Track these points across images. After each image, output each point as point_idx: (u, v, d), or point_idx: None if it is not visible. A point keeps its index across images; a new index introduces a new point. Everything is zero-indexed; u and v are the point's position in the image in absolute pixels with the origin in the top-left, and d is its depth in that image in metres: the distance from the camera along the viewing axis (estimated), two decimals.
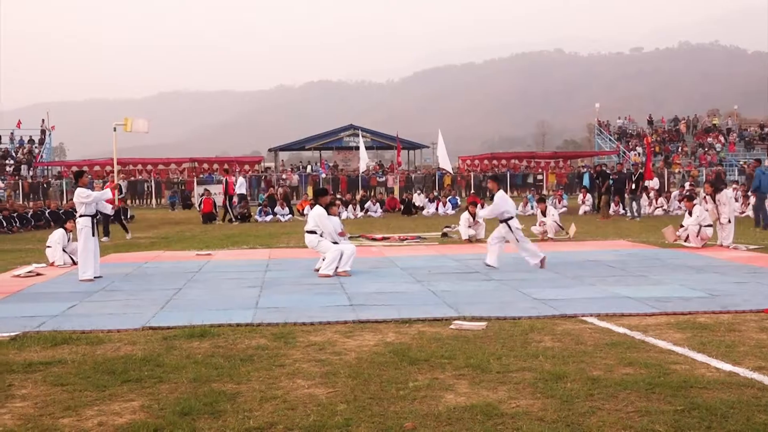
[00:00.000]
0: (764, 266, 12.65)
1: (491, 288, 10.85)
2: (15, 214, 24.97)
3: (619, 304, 9.28)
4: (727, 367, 6.27)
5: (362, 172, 40.95)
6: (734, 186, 31.21)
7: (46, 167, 46.97)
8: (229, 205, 28.83)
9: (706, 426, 4.85)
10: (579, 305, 9.19)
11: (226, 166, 38.29)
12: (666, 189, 35.23)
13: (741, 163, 42.64)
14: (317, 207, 13.02)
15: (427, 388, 5.80)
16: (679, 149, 47.93)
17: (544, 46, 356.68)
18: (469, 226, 18.67)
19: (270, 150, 51.68)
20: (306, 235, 12.99)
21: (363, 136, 43.40)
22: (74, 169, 44.73)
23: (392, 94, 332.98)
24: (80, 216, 12.56)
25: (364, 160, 40.20)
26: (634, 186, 26.33)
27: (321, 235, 12.75)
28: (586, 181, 34.96)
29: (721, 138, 48.77)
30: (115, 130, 15.09)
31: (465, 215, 18.91)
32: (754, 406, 5.21)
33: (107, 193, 13.28)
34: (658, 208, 29.33)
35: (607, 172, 30.42)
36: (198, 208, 29.60)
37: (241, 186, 35.01)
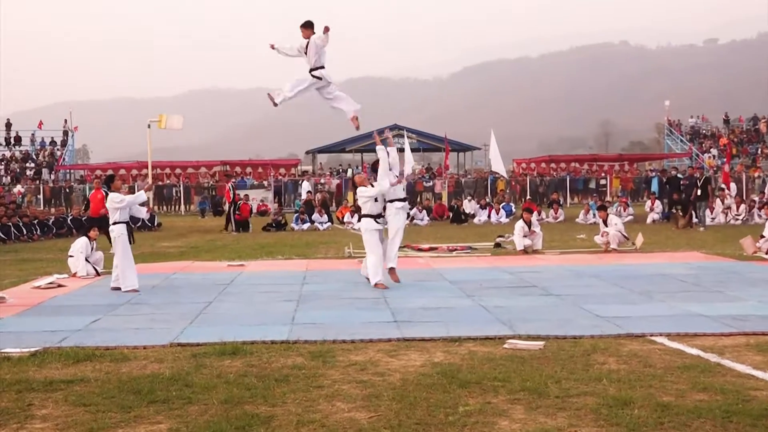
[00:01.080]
0: None
1: (549, 304, 10.78)
2: (35, 221, 25.43)
3: (691, 322, 9.14)
4: None
5: (407, 176, 40.99)
6: None
7: (68, 171, 47.76)
8: (231, 215, 28.44)
9: None
10: (647, 323, 9.07)
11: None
12: (744, 195, 34.62)
13: None
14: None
15: (478, 413, 5.77)
16: (759, 151, 47.13)
17: (607, 38, 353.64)
18: (525, 236, 18.52)
19: (307, 152, 52.06)
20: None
21: (408, 137, 43.18)
22: (98, 172, 45.52)
23: (440, 91, 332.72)
24: (114, 223, 12.75)
25: (410, 163, 40.08)
26: (700, 192, 25.91)
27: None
28: (654, 187, 34.56)
29: None
30: (149, 127, 15.43)
31: (520, 223, 18.77)
32: None
33: (141, 195, 13.37)
34: (737, 216, 28.84)
35: (678, 176, 30.02)
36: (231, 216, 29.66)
37: (305, 190, 35.43)
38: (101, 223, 16.04)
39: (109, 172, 45.42)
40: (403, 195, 13.20)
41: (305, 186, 39.07)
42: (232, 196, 28.68)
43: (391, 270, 12.84)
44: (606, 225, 18.69)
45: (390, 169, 12.97)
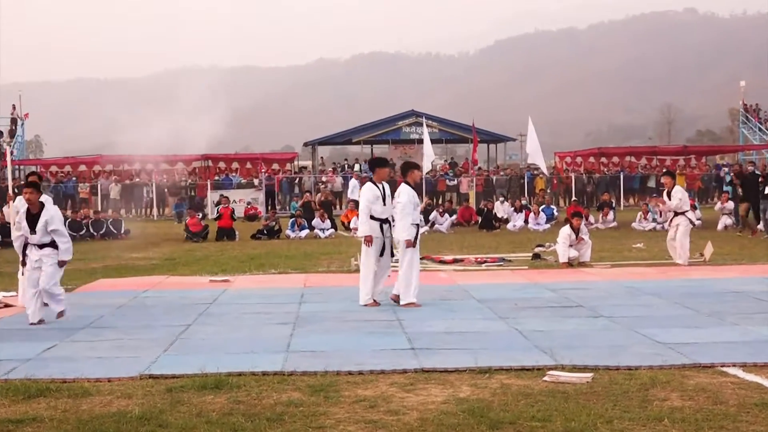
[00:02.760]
0: None
1: (599, 327, 10.77)
2: None
3: None
4: None
5: (427, 173, 40.94)
6: None
7: (17, 166, 47.83)
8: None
9: None
10: (718, 351, 9.06)
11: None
12: None
13: None
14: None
15: None
16: None
17: (670, 5, 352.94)
18: (571, 245, 18.50)
19: (306, 144, 52.17)
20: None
21: (428, 126, 43.39)
22: (54, 168, 45.65)
23: (467, 69, 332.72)
24: None
25: (430, 157, 40.15)
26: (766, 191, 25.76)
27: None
28: (726, 186, 34.44)
29: None
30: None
31: (566, 230, 18.71)
32: None
33: None
34: None
35: (757, 173, 29.90)
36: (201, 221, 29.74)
37: (353, 190, 35.20)
38: None
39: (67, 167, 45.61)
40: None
41: (353, 184, 38.83)
42: None
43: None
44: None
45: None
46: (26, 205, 12.10)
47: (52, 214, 12.08)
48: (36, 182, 13.24)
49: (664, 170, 23.97)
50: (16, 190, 14.64)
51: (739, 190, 28.28)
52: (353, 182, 39.19)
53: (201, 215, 31.70)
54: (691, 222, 18.32)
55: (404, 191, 13.12)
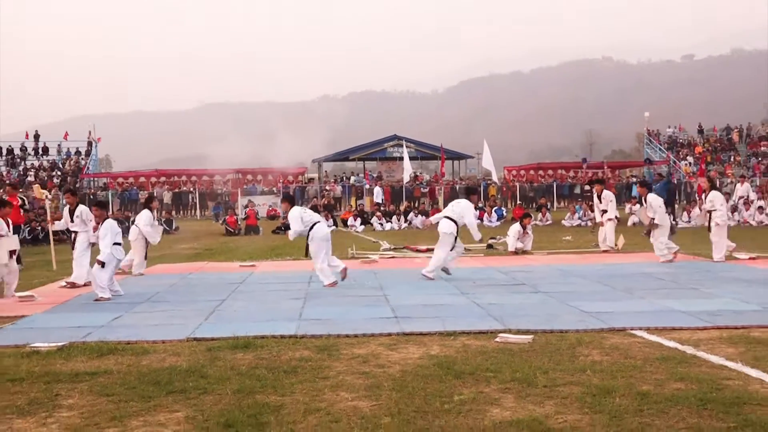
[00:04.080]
0: None
1: (538, 301, 10.79)
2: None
3: (669, 317, 9.16)
4: None
5: (406, 183, 40.95)
6: None
7: (92, 179, 47.73)
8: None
9: None
10: (628, 318, 9.09)
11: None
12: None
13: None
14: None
15: (472, 401, 5.79)
16: (732, 159, 47.14)
17: (592, 54, 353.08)
18: (518, 238, 18.61)
19: (313, 161, 52.05)
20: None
21: (407, 147, 43.41)
22: (120, 180, 45.48)
23: (437, 104, 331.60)
24: None
25: (408, 171, 40.19)
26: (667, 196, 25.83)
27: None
28: (635, 192, 34.53)
29: None
30: None
31: (516, 227, 18.85)
32: None
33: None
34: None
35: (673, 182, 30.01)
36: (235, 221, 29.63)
37: (377, 195, 35.15)
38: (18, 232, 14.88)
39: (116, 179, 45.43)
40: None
41: (377, 192, 39.13)
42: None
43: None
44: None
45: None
46: (68, 206, 13.81)
47: (81, 209, 13.63)
48: (73, 190, 14.94)
49: (595, 178, 23.92)
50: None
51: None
52: (377, 189, 39.50)
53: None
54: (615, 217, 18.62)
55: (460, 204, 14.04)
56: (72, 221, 13.54)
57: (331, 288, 12.47)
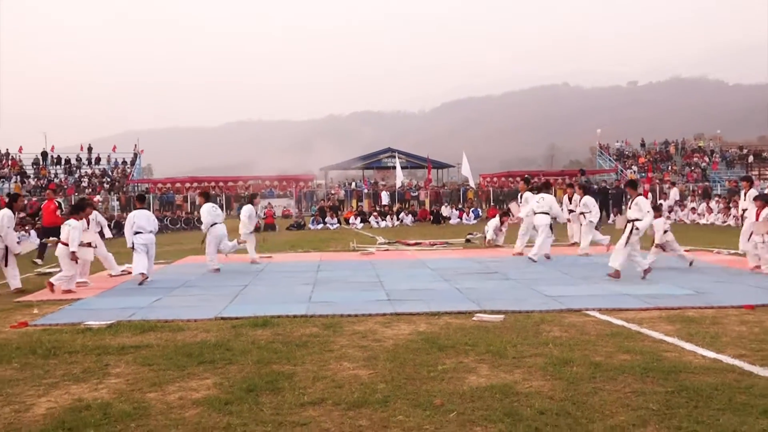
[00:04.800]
0: (743, 268, 12.40)
1: (508, 286, 10.79)
2: (112, 222, 25.30)
3: (618, 300, 9.16)
4: (712, 354, 6.17)
5: (398, 188, 40.92)
6: (717, 199, 30.87)
7: (136, 184, 47.64)
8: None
9: (693, 405, 4.78)
10: (583, 301, 9.09)
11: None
12: (657, 201, 34.65)
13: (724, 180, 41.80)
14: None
15: (453, 370, 5.78)
16: (669, 168, 47.24)
17: (553, 80, 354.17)
18: (495, 232, 18.69)
19: (321, 169, 51.93)
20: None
21: (399, 158, 43.43)
22: (160, 185, 45.34)
23: (424, 121, 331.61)
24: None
25: (400, 178, 40.27)
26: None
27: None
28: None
29: (706, 158, 48.00)
30: None
31: (495, 221, 18.87)
32: (735, 389, 5.13)
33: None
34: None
35: (607, 187, 30.03)
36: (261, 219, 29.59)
37: (384, 199, 35.27)
38: (54, 233, 14.26)
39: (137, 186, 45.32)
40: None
41: (384, 195, 39.38)
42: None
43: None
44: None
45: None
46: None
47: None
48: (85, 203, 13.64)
49: (569, 183, 23.64)
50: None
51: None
52: (384, 193, 39.63)
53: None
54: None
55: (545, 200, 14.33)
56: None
57: (215, 273, 13.05)
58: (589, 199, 16.15)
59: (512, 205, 18.59)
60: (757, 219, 11.85)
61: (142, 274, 11.76)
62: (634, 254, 11.31)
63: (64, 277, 10.91)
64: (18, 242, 11.72)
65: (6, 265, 11.28)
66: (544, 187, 15.23)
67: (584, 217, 15.88)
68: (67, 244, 11.09)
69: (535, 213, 14.42)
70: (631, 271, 12.35)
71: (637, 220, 11.17)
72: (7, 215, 11.30)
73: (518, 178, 45.15)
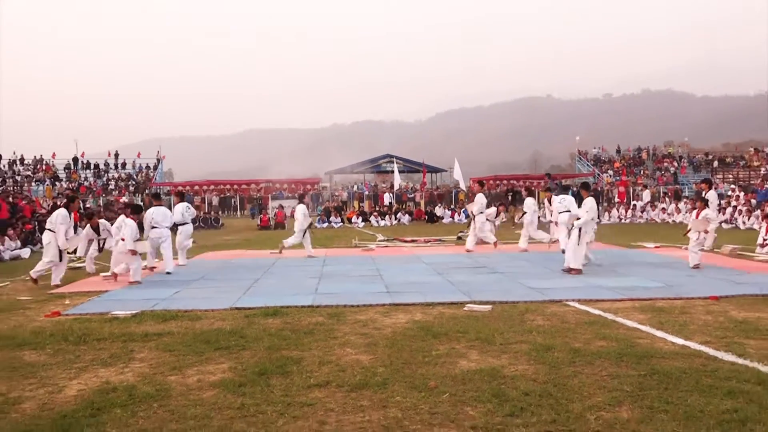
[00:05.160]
0: (709, 263, 12.40)
1: (496, 279, 10.78)
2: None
3: (595, 291, 9.16)
4: (680, 341, 6.17)
5: (396, 190, 40.88)
6: (685, 200, 30.89)
7: (159, 187, 47.59)
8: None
9: (663, 387, 4.78)
10: (564, 293, 9.09)
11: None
12: (631, 202, 34.63)
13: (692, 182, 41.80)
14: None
15: (446, 355, 5.78)
16: (642, 172, 47.25)
17: (536, 93, 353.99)
18: (490, 219, 17.77)
19: (326, 173, 51.86)
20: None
21: (397, 163, 43.38)
22: (180, 188, 45.34)
23: (419, 130, 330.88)
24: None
25: (398, 181, 40.20)
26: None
27: None
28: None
29: (675, 163, 48.02)
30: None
31: (492, 210, 17.82)
32: (702, 372, 5.13)
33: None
34: (625, 217, 28.92)
35: (574, 189, 30.06)
36: (272, 219, 29.53)
37: (387, 200, 35.27)
38: None
39: (153, 188, 45.29)
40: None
41: (386, 197, 39.41)
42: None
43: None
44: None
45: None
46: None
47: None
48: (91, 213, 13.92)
49: (706, 179, 22.72)
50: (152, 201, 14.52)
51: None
52: (387, 195, 39.59)
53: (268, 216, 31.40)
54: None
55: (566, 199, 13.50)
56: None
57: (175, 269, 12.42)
58: (530, 201, 16.44)
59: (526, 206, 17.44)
60: (697, 218, 11.96)
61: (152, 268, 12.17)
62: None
63: (133, 270, 10.98)
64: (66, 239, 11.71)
65: (60, 260, 11.26)
66: (563, 189, 15.29)
67: (523, 217, 16.15)
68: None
69: (559, 212, 14.18)
70: (607, 265, 12.37)
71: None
72: (62, 214, 11.39)
73: (509, 181, 45.22)
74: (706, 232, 11.57)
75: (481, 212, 16.48)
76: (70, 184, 43.13)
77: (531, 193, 17.71)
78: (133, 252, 11.03)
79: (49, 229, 11.26)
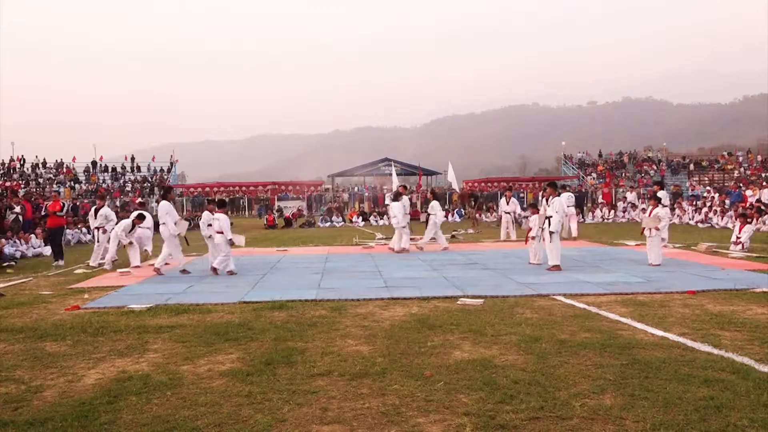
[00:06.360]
0: (686, 260, 12.40)
1: (487, 275, 10.77)
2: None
3: (580, 286, 9.15)
4: (660, 333, 6.16)
5: (393, 192, 40.88)
6: (642, 200, 31.06)
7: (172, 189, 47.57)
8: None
9: (644, 376, 4.77)
10: (551, 287, 9.08)
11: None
12: (614, 203, 34.63)
13: (671, 185, 41.82)
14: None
15: (440, 346, 5.77)
16: (623, 174, 47.28)
17: (524, 101, 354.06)
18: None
19: (328, 176, 51.86)
20: None
21: (394, 166, 43.34)
22: (192, 190, 45.29)
23: (416, 135, 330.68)
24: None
25: (395, 184, 40.11)
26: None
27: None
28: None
29: (654, 166, 48.07)
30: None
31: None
32: (680, 362, 5.12)
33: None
34: (609, 218, 28.94)
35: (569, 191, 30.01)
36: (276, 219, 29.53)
37: (387, 199, 35.30)
38: (57, 234, 14.47)
39: (167, 187, 45.19)
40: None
41: (387, 197, 39.24)
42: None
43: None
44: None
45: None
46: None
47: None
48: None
49: (547, 184, 23.08)
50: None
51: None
52: (388, 194, 39.49)
53: (275, 215, 31.35)
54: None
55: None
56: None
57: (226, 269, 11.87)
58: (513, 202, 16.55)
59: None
60: (649, 215, 12.00)
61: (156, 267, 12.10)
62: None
63: (223, 259, 11.29)
64: (175, 224, 11.93)
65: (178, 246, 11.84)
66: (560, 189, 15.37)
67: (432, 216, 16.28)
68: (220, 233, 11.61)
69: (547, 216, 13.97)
70: (591, 262, 12.37)
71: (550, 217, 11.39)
72: (164, 206, 11.74)
73: (506, 183, 45.26)
74: (658, 228, 11.63)
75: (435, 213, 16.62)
76: (90, 186, 43.09)
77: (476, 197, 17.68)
78: (232, 242, 11.48)
79: (162, 223, 11.65)
